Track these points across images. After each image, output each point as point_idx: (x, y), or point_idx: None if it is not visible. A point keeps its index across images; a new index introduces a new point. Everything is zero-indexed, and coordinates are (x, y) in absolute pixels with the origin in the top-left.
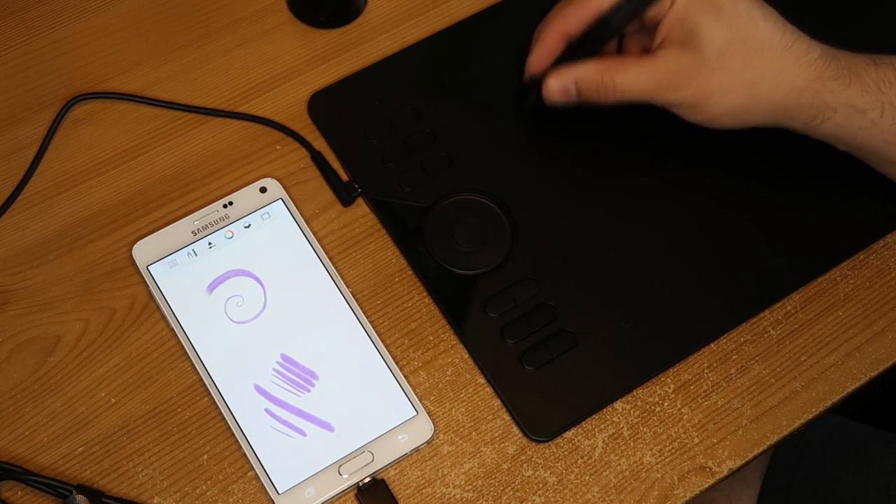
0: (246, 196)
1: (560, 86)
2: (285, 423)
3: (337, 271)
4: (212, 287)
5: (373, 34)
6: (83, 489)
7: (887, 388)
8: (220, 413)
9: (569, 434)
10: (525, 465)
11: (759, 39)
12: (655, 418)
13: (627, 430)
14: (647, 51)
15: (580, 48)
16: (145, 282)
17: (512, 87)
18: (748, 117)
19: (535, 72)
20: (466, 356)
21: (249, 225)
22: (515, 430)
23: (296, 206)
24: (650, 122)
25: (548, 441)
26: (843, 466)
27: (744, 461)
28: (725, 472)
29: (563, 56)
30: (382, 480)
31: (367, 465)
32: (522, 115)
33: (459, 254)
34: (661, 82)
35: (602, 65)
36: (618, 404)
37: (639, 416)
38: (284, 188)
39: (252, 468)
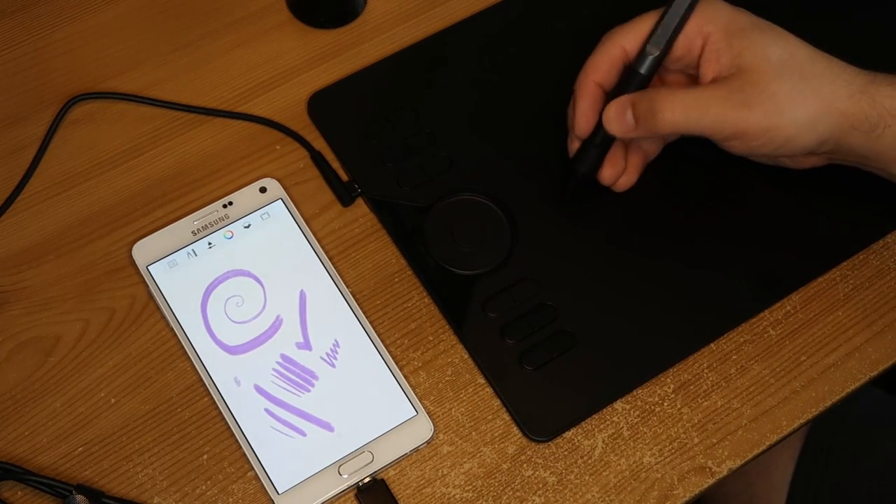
0: (246, 196)
1: (616, 111)
2: (285, 423)
3: (337, 271)
4: (212, 287)
5: (373, 34)
6: (83, 489)
7: None
8: (220, 413)
9: (569, 434)
10: (525, 465)
11: (805, 54)
12: (655, 418)
13: (627, 430)
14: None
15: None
16: (145, 282)
17: (511, 86)
18: (817, 132)
19: (584, 130)
20: (466, 356)
21: (249, 225)
22: (515, 430)
23: (296, 206)
24: None
25: (548, 441)
26: (884, 435)
27: (744, 461)
28: (725, 472)
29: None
30: (382, 480)
31: (366, 465)
32: (567, 205)
33: (459, 254)
34: (730, 99)
35: (664, 89)
36: (618, 404)
37: (639, 416)
38: (284, 188)
39: (252, 468)
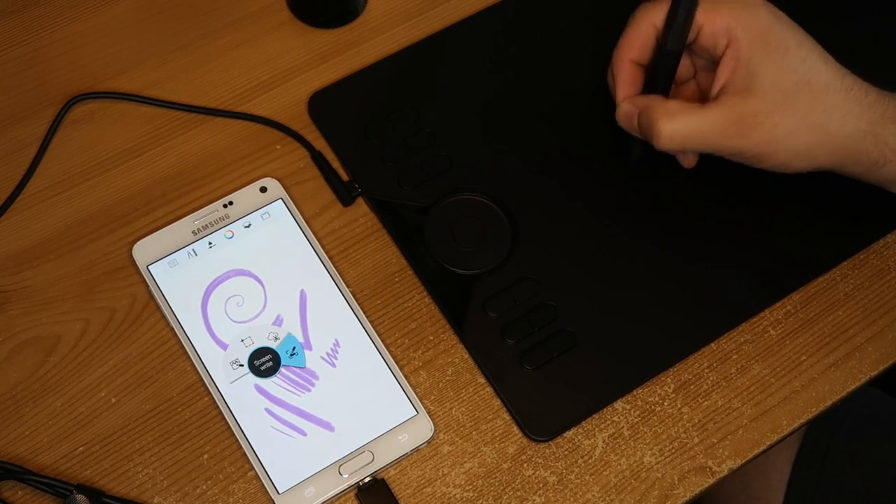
0: (246, 196)
1: (625, 111)
2: (285, 422)
3: (337, 271)
4: (212, 287)
5: (373, 34)
6: (83, 489)
7: None
8: (220, 413)
9: (569, 434)
10: (525, 465)
11: (822, 82)
12: (655, 418)
13: (627, 429)
14: (704, 98)
15: (654, 79)
16: (145, 282)
17: (512, 85)
18: (813, 161)
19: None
20: (466, 356)
21: (249, 225)
22: (515, 429)
23: (296, 205)
24: None
25: (548, 441)
26: (882, 435)
27: (744, 461)
28: (725, 472)
29: (644, 88)
30: (382, 480)
31: (367, 464)
32: (631, 171)
33: (459, 254)
34: (728, 129)
35: (665, 107)
36: (618, 404)
37: (639, 415)
38: (284, 188)
39: (252, 468)
